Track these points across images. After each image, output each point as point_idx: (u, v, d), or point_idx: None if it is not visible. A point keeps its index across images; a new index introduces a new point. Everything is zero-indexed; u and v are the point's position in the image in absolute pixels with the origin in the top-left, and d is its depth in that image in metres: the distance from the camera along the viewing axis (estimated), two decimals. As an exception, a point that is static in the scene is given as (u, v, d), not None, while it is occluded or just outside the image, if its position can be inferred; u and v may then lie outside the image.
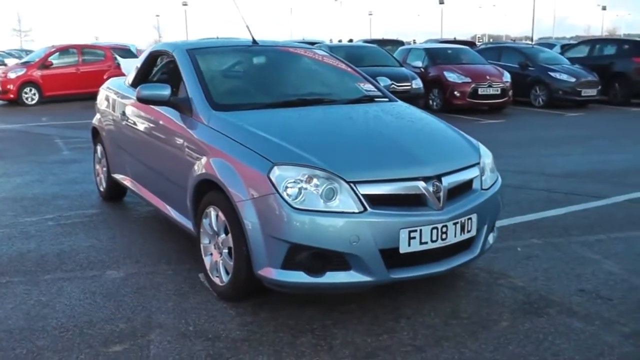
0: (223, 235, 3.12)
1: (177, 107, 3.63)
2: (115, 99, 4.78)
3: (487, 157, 3.46)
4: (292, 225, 2.75)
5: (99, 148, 5.24)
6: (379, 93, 4.16)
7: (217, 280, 3.22)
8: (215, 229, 3.18)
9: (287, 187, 2.80)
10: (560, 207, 5.16)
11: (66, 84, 14.78)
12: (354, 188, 2.82)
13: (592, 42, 16.00)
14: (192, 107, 3.53)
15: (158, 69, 4.67)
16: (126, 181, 4.64)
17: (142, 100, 3.67)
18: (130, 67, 14.80)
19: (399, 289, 3.34)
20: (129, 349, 2.70)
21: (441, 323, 3.01)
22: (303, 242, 2.76)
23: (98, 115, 5.21)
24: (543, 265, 3.79)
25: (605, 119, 11.97)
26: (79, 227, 4.54)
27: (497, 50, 15.12)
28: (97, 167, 5.35)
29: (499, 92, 12.20)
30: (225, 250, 3.11)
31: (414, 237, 2.87)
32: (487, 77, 12.26)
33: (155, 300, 3.20)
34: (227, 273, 3.12)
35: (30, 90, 14.39)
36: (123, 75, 12.56)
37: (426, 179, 2.96)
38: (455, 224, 3.00)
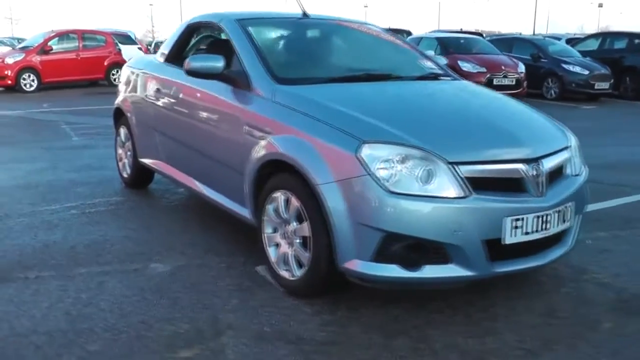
0: (295, 224, 2.76)
1: (231, 81, 3.25)
2: (145, 77, 4.38)
3: (574, 141, 3.13)
4: (387, 211, 2.39)
5: (122, 131, 4.84)
6: (441, 71, 3.81)
7: (285, 274, 2.85)
8: (285, 216, 2.82)
9: (379, 169, 2.44)
10: (611, 199, 4.86)
11: (66, 70, 14.20)
12: (456, 170, 2.47)
13: (602, 36, 15.78)
14: (249, 81, 3.15)
15: (194, 43, 4.28)
16: (159, 166, 4.25)
17: (193, 73, 3.28)
18: (132, 53, 14.30)
19: (478, 284, 2.99)
20: (200, 354, 2.32)
21: (542, 323, 2.67)
22: (400, 231, 2.41)
23: (122, 96, 4.81)
24: (621, 260, 3.47)
25: (620, 112, 11.74)
26: (106, 215, 4.15)
27: (508, 42, 14.82)
28: (120, 151, 4.95)
29: (514, 83, 11.92)
30: (298, 240, 2.75)
31: (518, 227, 2.54)
32: (503, 68, 11.97)
33: (216, 298, 2.83)
34: (300, 266, 2.76)
35: (29, 76, 13.76)
36: (124, 62, 12.13)
37: (526, 162, 2.63)
38: (556, 212, 2.67)
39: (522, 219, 2.54)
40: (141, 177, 4.75)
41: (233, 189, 3.25)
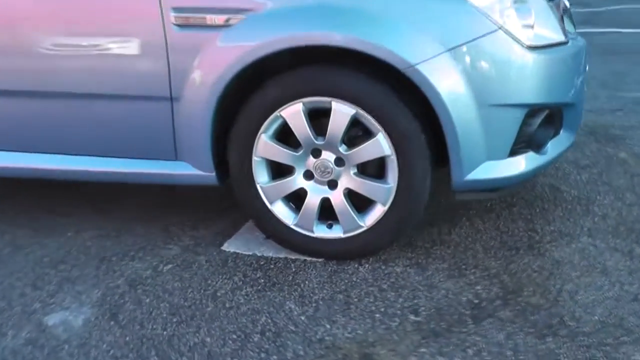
0: (343, 147, 1.70)
1: None
2: None
3: None
4: (532, 75, 1.62)
5: None
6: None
7: (329, 235, 1.79)
8: (316, 141, 1.71)
9: (505, 17, 1.61)
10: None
11: None
12: (551, 5, 1.81)
13: None
14: None
15: None
16: None
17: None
18: None
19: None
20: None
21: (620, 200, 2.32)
22: (543, 101, 1.68)
23: None
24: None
25: None
26: None
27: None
28: None
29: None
30: (353, 171, 1.71)
31: None
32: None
33: (262, 315, 1.59)
34: (360, 211, 1.75)
35: None
36: None
37: None
38: None
39: None
40: None
41: (143, 136, 1.88)
